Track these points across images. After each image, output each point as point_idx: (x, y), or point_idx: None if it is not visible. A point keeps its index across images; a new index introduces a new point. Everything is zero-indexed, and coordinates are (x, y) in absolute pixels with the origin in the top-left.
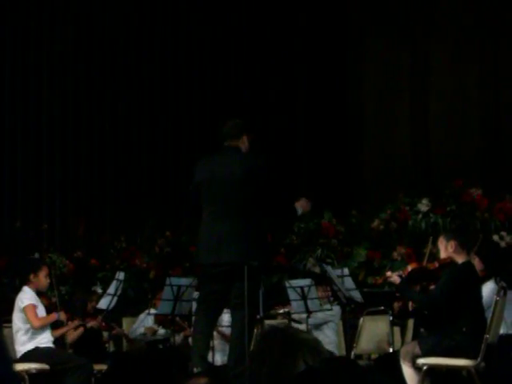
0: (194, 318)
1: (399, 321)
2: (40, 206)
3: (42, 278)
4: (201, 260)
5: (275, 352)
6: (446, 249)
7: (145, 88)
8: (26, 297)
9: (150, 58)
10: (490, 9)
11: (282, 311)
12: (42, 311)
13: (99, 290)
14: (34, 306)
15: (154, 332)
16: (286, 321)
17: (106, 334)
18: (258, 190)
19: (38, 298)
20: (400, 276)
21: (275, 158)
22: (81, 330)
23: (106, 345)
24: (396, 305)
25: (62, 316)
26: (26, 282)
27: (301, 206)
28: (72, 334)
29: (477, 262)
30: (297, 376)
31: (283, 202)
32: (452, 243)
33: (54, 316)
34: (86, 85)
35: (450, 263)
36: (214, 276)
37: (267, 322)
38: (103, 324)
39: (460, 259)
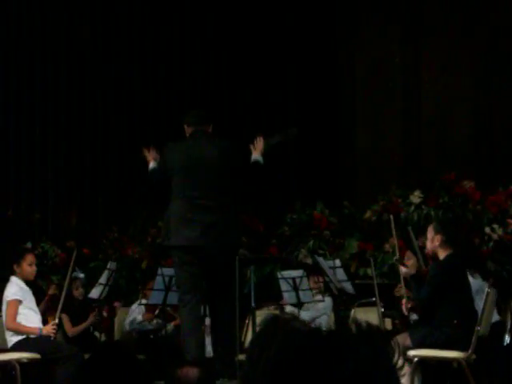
0: (180, 306)
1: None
2: (32, 195)
3: (26, 267)
4: (172, 242)
5: (275, 344)
6: (432, 240)
7: (136, 81)
8: (12, 291)
9: (140, 57)
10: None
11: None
12: (30, 302)
13: (80, 275)
14: (18, 302)
15: (151, 319)
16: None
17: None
18: (233, 172)
19: (26, 289)
20: (403, 264)
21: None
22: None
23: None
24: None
25: (46, 330)
26: (12, 272)
27: (256, 149)
28: (72, 329)
29: None
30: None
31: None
32: (439, 237)
33: (34, 330)
34: (79, 78)
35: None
36: (190, 260)
37: (259, 312)
38: (97, 318)
39: (443, 254)
